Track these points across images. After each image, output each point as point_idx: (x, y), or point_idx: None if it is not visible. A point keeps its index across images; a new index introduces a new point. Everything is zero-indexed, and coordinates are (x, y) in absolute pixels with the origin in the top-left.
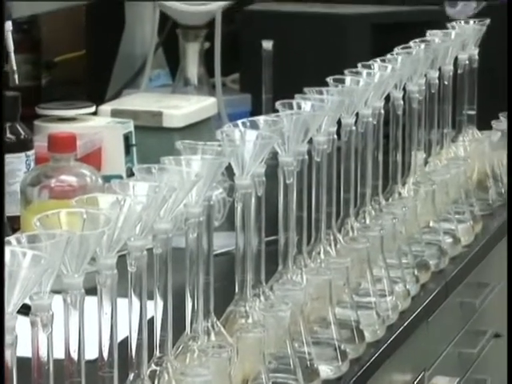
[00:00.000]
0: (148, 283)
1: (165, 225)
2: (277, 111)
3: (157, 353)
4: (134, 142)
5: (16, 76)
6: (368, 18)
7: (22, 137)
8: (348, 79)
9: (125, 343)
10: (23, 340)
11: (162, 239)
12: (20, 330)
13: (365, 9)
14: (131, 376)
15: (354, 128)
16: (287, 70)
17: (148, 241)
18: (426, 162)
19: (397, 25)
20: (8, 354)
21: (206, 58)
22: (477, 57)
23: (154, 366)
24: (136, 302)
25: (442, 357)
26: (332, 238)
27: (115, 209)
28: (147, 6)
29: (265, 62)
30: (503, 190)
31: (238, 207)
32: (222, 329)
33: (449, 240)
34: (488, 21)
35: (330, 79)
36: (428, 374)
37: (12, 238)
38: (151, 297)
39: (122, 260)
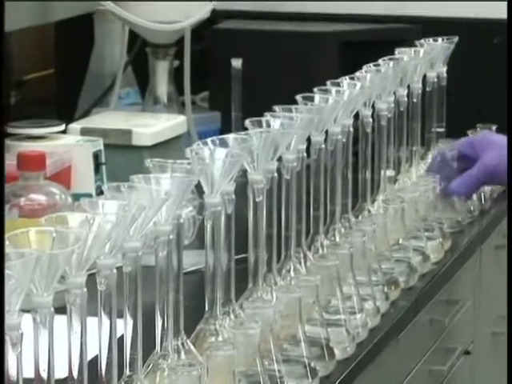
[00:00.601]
0: (118, 301)
1: (134, 243)
2: (246, 129)
3: (127, 371)
4: (103, 161)
5: None
6: (337, 36)
7: None
8: (317, 97)
9: (94, 362)
10: None
11: (132, 257)
12: None
13: (333, 27)
14: None
15: (323, 146)
16: (256, 87)
17: (117, 259)
18: (395, 180)
19: (365, 43)
20: None
21: (176, 76)
22: (445, 74)
23: None
24: (106, 320)
25: (412, 374)
26: (302, 255)
27: (85, 227)
28: (116, 24)
29: (234, 80)
30: (472, 208)
31: (208, 225)
32: (192, 347)
33: (418, 257)
34: (456, 38)
35: (299, 97)
36: None
37: None
38: (121, 315)
39: (91, 278)
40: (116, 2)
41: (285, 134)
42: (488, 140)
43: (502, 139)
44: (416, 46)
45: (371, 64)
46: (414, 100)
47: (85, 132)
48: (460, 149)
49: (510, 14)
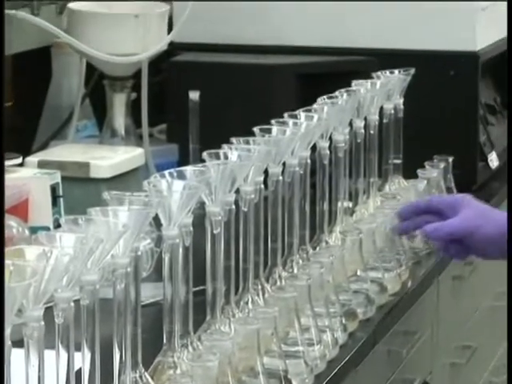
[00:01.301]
0: (75, 334)
1: (92, 276)
2: (204, 161)
3: None
4: (61, 193)
5: None
6: (293, 69)
7: None
8: (274, 129)
9: None
10: None
11: (90, 290)
12: None
13: (290, 59)
14: None
15: (280, 177)
16: (214, 120)
17: (75, 292)
18: (352, 211)
19: (322, 75)
20: None
21: (133, 108)
22: (402, 106)
23: None
24: (63, 353)
25: None
26: (260, 287)
27: (42, 260)
28: (74, 57)
29: (192, 112)
30: None
31: (166, 257)
32: (150, 380)
33: (376, 288)
34: (413, 70)
35: (256, 129)
36: None
37: None
38: (79, 348)
39: (49, 311)
40: (74, 35)
41: (242, 165)
42: (470, 202)
43: (484, 208)
44: (373, 77)
45: (328, 96)
46: (371, 132)
47: (42, 165)
48: (436, 203)
49: (510, 14)
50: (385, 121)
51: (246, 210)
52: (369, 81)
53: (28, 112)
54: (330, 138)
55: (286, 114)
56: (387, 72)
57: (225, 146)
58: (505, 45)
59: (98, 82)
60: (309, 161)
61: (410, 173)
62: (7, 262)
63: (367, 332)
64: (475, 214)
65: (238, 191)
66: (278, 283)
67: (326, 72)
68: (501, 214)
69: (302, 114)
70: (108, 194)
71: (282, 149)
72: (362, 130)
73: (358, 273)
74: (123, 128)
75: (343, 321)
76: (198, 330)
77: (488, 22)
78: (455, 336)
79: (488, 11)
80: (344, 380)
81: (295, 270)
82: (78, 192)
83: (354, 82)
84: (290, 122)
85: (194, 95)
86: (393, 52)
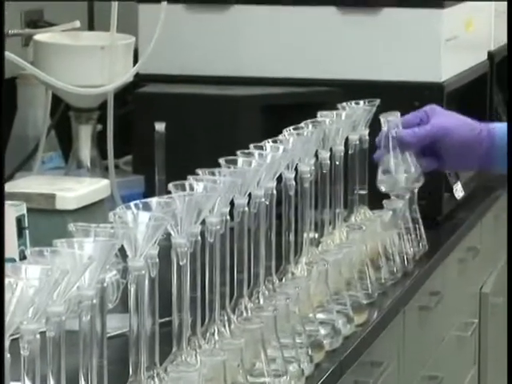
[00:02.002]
0: (41, 366)
1: (58, 308)
2: (170, 192)
3: None
4: (26, 225)
5: None
6: (259, 100)
7: None
8: (240, 160)
9: None
10: None
11: (55, 322)
12: None
13: (256, 90)
14: None
15: (246, 209)
16: (180, 151)
17: (41, 324)
18: (318, 242)
19: (288, 106)
20: None
21: (99, 140)
22: (367, 137)
23: None
24: None
25: None
26: (226, 318)
27: (7, 292)
28: (39, 88)
29: (157, 143)
30: (395, 269)
31: (132, 289)
32: None
33: (342, 319)
34: (378, 101)
35: (222, 160)
36: None
37: None
38: (45, 380)
39: (14, 343)
40: (39, 67)
41: (208, 197)
42: (439, 109)
43: (457, 114)
44: (338, 109)
45: (294, 127)
46: (337, 162)
47: (8, 196)
48: (408, 119)
49: (510, 14)
50: (350, 151)
51: (211, 241)
52: (334, 112)
53: None
54: (296, 169)
55: (251, 146)
56: (352, 103)
57: (190, 178)
58: (470, 75)
59: (63, 113)
60: (274, 192)
61: (375, 203)
62: None
63: (333, 363)
64: (447, 117)
65: (203, 222)
66: (245, 314)
67: (291, 103)
68: (474, 121)
69: (267, 145)
70: (74, 226)
71: (247, 180)
72: (328, 161)
73: (324, 304)
74: (89, 159)
75: (309, 352)
76: (165, 362)
77: (453, 52)
78: (422, 366)
79: (453, 42)
80: None
81: (261, 301)
82: (44, 224)
83: (319, 113)
84: (256, 153)
85: (160, 126)
86: (358, 83)
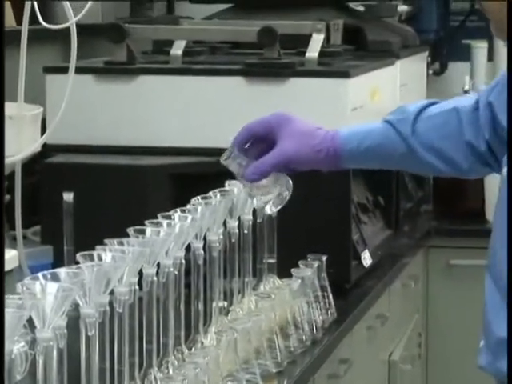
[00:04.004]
0: None
1: None
2: (78, 263)
3: None
4: None
5: None
6: (167, 169)
7: None
8: (148, 230)
9: None
10: None
11: None
12: None
13: (164, 160)
14: None
15: (155, 278)
16: (88, 221)
17: None
18: (228, 311)
19: (196, 175)
20: None
21: (7, 210)
22: None
23: None
24: None
25: None
26: None
27: None
28: None
29: (66, 213)
30: (304, 337)
31: (40, 360)
32: None
33: None
34: None
35: (130, 230)
36: None
37: None
38: None
39: None
40: None
41: (116, 267)
42: (288, 125)
43: (302, 125)
44: None
45: (202, 196)
46: (245, 231)
47: None
48: (255, 131)
49: (510, 14)
50: (258, 220)
51: (120, 311)
52: None
53: None
54: (205, 238)
55: (160, 215)
56: None
57: (99, 248)
58: None
59: None
60: (183, 261)
61: (284, 272)
62: None
63: None
64: (292, 139)
65: (112, 292)
66: None
67: (199, 172)
68: (322, 135)
69: (176, 214)
70: None
71: (156, 249)
72: (236, 230)
73: (234, 373)
74: None
75: None
76: None
77: (359, 121)
78: None
79: (359, 111)
80: None
81: (171, 371)
82: None
83: (227, 183)
84: (164, 222)
85: (68, 196)
86: None
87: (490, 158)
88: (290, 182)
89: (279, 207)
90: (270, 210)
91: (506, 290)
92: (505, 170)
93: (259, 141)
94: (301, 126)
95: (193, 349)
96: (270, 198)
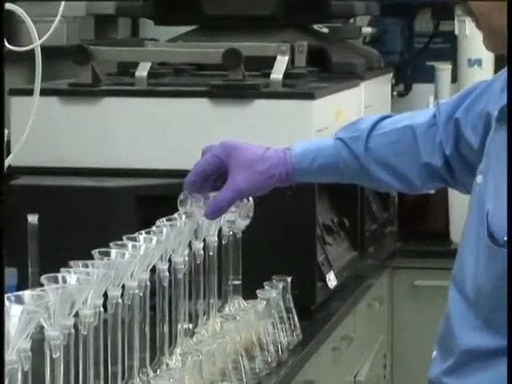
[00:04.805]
0: None
1: None
2: (43, 285)
3: None
4: None
5: None
6: (132, 191)
7: None
8: (113, 252)
9: None
10: None
11: None
12: None
13: (129, 181)
14: None
15: (120, 300)
16: (53, 243)
17: None
18: (193, 333)
19: (161, 197)
20: None
21: None
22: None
23: None
24: None
25: None
26: None
27: None
28: None
29: (30, 235)
30: (269, 359)
31: (5, 383)
32: None
33: None
34: None
35: (95, 252)
36: None
37: None
38: None
39: None
40: None
41: (81, 289)
42: (236, 154)
43: (250, 152)
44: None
45: (167, 218)
46: (211, 253)
47: None
48: (206, 173)
49: (510, 14)
50: (224, 242)
51: (85, 333)
52: None
53: None
54: (170, 260)
55: (125, 237)
56: None
57: (63, 270)
58: None
59: None
60: (148, 283)
61: (249, 293)
62: None
63: None
64: (243, 172)
65: (77, 314)
66: None
67: (165, 194)
68: (275, 161)
69: (141, 236)
70: None
71: (121, 271)
72: (202, 252)
73: None
74: None
75: None
76: None
77: None
78: None
79: (324, 132)
80: None
81: None
82: None
83: None
84: (129, 244)
85: (33, 218)
86: None
87: (446, 173)
88: (251, 200)
89: (248, 220)
90: (239, 223)
91: (474, 300)
92: (479, 177)
93: (212, 174)
94: (249, 153)
95: (158, 371)
96: (235, 216)
